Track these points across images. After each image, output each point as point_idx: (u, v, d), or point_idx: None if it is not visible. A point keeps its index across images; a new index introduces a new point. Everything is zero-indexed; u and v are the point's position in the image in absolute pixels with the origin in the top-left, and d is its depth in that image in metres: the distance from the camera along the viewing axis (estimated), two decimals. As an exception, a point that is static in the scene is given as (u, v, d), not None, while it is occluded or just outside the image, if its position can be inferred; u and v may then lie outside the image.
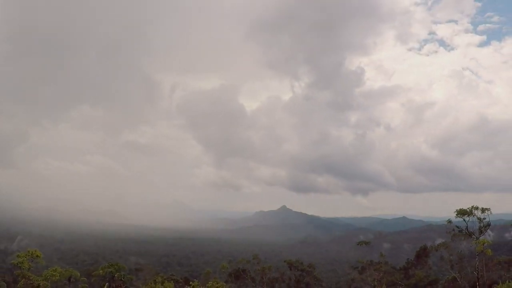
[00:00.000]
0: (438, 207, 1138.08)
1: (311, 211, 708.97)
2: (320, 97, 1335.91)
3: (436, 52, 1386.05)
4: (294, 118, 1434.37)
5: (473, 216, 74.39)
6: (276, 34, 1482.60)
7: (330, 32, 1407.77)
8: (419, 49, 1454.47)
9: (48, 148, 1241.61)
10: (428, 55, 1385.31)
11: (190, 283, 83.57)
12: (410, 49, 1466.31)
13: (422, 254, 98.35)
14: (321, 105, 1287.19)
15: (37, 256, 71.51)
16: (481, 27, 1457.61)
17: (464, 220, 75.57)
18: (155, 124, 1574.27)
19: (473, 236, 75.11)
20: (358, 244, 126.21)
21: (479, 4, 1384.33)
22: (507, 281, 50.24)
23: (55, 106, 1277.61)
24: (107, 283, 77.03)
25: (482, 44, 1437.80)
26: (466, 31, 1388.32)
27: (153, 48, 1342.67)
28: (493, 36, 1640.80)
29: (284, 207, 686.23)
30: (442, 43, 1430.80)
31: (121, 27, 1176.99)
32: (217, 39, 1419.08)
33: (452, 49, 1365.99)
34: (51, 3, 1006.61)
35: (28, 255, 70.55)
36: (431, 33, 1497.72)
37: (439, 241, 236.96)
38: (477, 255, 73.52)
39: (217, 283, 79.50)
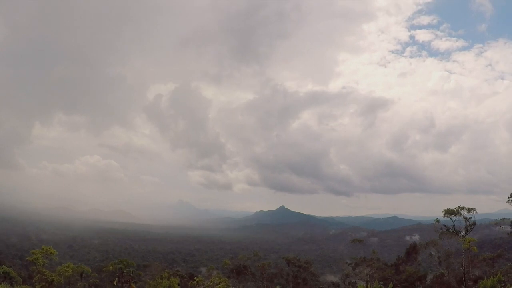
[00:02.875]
0: (413, 207, 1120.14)
1: (308, 211, 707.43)
2: (274, 101, 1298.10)
3: (420, 56, 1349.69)
4: (254, 122, 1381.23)
5: (460, 215, 74.54)
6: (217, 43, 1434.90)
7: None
8: (402, 52, 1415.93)
9: (47, 151, 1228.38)
10: (412, 57, 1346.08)
11: (195, 278, 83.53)
12: (392, 51, 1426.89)
13: (412, 251, 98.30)
14: (277, 108, 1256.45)
15: (51, 253, 71.53)
16: (463, 31, 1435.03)
17: (451, 219, 75.69)
18: (140, 128, 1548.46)
19: (459, 234, 75.15)
20: (351, 242, 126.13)
21: (463, 8, 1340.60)
22: (491, 277, 50.18)
23: (45, 112, 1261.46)
24: (116, 279, 76.92)
25: (465, 48, 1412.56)
26: (449, 35, 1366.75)
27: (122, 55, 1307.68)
28: (476, 39, 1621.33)
29: (282, 207, 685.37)
30: (422, 47, 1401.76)
31: (96, 39, 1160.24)
32: (168, 49, 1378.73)
33: (433, 54, 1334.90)
34: (29, 19, 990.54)
35: (43, 252, 70.58)
36: (412, 36, 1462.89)
37: (416, 237, 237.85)
38: (463, 252, 73.49)
39: (220, 279, 79.46)
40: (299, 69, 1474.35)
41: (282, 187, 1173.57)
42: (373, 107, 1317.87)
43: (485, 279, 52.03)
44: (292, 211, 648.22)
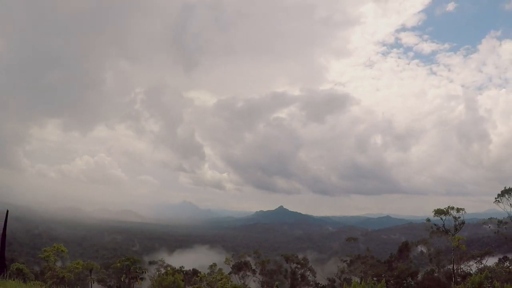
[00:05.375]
0: (404, 208, 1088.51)
1: (305, 211, 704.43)
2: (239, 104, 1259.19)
3: (406, 57, 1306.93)
4: (229, 124, 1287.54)
5: (449, 215, 74.66)
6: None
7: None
8: (388, 54, 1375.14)
9: (46, 153, 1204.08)
10: (399, 59, 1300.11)
11: (198, 274, 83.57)
12: (377, 53, 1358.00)
13: (404, 249, 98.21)
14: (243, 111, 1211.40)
15: (62, 251, 71.80)
16: (449, 33, 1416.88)
17: (441, 218, 75.82)
18: (131, 130, 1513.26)
19: (449, 233, 75.24)
20: (347, 240, 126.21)
21: (450, 10, 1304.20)
22: (479, 273, 50.26)
23: (40, 115, 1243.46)
24: (124, 275, 77.03)
25: (451, 49, 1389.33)
26: (436, 37, 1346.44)
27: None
28: (464, 41, 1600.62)
29: (281, 207, 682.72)
30: (409, 49, 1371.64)
31: (77, 44, 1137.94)
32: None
33: (419, 56, 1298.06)
34: (18, 28, 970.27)
35: (54, 250, 70.81)
36: (398, 39, 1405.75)
37: (395, 236, 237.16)
38: (453, 250, 73.53)
39: (222, 275, 79.56)
40: (278, 71, 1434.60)
41: (266, 187, 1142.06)
42: (349, 108, 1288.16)
43: (474, 275, 52.11)
44: (290, 211, 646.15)
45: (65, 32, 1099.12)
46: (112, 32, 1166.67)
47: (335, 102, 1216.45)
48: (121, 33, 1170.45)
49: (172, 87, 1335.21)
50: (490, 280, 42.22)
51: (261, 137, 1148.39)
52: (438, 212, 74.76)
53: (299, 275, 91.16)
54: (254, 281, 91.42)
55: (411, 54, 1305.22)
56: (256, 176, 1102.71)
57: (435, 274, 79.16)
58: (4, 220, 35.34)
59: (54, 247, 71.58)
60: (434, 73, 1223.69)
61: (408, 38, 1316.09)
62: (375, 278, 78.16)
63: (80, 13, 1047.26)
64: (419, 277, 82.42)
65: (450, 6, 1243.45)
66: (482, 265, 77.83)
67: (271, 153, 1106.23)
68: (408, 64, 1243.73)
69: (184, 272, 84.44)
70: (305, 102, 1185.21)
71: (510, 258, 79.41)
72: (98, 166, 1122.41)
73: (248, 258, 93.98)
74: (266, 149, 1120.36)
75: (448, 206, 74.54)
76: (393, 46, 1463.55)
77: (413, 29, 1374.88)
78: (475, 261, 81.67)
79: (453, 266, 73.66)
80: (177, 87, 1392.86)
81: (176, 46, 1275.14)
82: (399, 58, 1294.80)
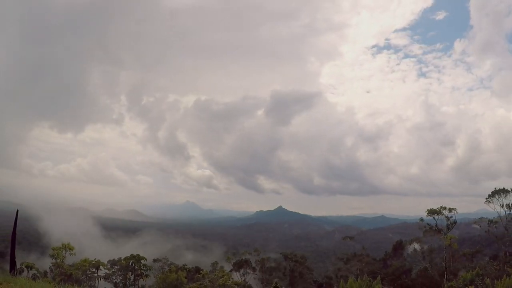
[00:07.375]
0: (398, 208, 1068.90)
1: (304, 210, 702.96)
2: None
3: (396, 58, 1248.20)
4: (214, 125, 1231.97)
5: (442, 215, 74.68)
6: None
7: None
8: (377, 53, 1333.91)
9: (47, 154, 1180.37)
10: (389, 60, 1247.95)
11: (200, 272, 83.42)
12: (366, 54, 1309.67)
13: (398, 247, 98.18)
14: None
15: (70, 249, 71.59)
16: (440, 35, 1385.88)
17: (434, 218, 75.84)
18: (124, 130, 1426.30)
19: (441, 232, 75.23)
20: (343, 239, 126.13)
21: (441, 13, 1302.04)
22: (470, 270, 50.14)
23: (39, 117, 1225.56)
24: (129, 272, 76.95)
25: (442, 50, 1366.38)
26: (427, 39, 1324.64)
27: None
28: (454, 43, 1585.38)
29: (280, 207, 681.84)
30: (398, 50, 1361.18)
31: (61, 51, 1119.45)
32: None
33: (409, 56, 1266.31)
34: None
35: (63, 248, 70.62)
36: (387, 39, 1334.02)
37: (392, 235, 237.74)
38: (445, 248, 73.54)
39: (223, 272, 79.45)
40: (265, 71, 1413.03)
41: (256, 188, 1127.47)
42: (334, 109, 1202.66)
43: (465, 272, 52.04)
44: (289, 211, 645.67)
45: (55, 38, 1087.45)
46: (98, 36, 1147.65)
47: (323, 103, 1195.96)
48: (106, 37, 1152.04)
49: (160, 89, 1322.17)
50: (481, 277, 42.12)
51: (247, 139, 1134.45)
52: (431, 212, 74.83)
53: (297, 273, 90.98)
54: (254, 278, 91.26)
55: (401, 55, 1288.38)
56: (244, 176, 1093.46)
57: (428, 272, 79.01)
58: (14, 219, 35.37)
59: (63, 245, 71.47)
60: (424, 74, 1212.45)
61: (398, 40, 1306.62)
62: (370, 276, 77.85)
63: (66, 19, 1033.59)
64: (413, 274, 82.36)
65: (440, 15, 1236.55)
66: (474, 263, 77.71)
67: (265, 155, 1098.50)
68: (398, 64, 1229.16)
69: (187, 269, 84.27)
70: (300, 103, 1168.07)
71: (500, 256, 79.22)
72: (100, 167, 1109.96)
73: (249, 256, 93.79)
74: (254, 150, 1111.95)
75: (441, 206, 74.66)
76: (383, 48, 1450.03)
77: (404, 29, 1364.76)
78: (467, 259, 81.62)
79: (445, 264, 73.57)
80: (166, 89, 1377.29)
81: (162, 48, 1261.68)
82: (389, 58, 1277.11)
